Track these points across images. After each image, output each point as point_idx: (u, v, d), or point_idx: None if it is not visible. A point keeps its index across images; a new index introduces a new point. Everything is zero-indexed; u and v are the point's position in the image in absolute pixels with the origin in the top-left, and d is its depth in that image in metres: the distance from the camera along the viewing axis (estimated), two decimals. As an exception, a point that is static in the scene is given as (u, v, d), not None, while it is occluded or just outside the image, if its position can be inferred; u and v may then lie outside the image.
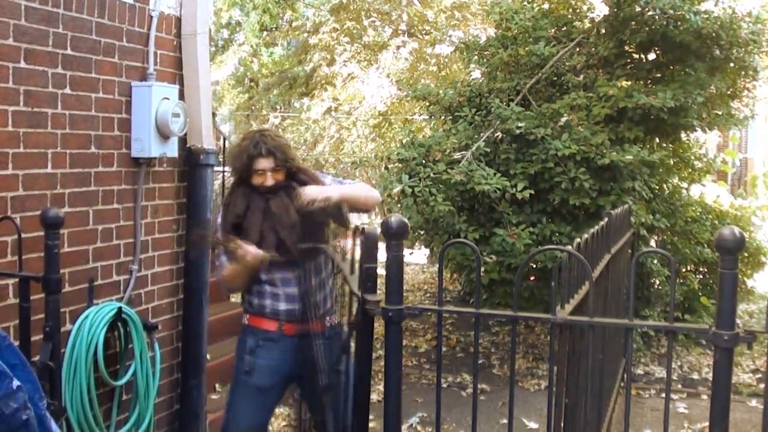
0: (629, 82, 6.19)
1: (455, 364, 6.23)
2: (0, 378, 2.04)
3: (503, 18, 6.74)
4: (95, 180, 3.49)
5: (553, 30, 6.72)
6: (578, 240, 2.83)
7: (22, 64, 3.10)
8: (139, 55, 3.72)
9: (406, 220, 2.32)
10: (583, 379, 2.80)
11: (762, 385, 5.27)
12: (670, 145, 6.70)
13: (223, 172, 7.35)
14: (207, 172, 4.04)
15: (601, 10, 6.77)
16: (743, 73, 6.51)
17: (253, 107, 15.37)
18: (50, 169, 3.26)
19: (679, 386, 5.69)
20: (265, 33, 14.54)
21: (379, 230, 2.40)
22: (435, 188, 5.45)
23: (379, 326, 2.58)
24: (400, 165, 5.89)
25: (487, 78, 6.92)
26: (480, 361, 5.98)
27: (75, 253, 3.39)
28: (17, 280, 2.99)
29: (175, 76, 3.95)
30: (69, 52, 3.31)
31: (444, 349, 6.43)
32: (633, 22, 6.19)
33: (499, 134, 5.83)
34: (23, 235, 2.97)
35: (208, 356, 4.25)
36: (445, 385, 5.54)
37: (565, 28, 6.80)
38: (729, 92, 6.63)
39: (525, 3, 7.01)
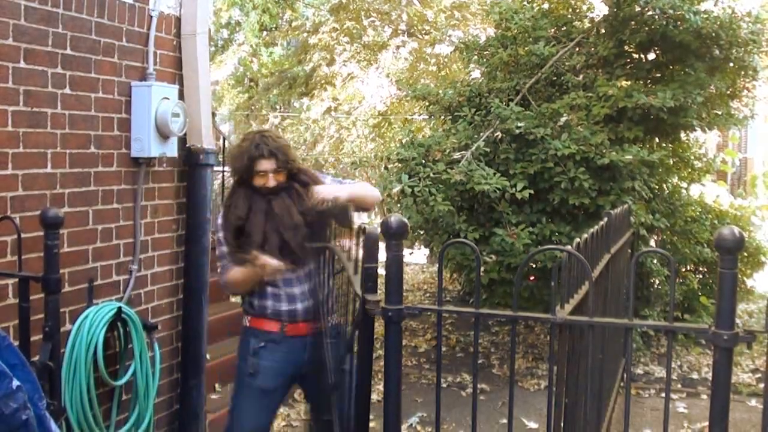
0: (629, 82, 6.19)
1: (455, 364, 6.23)
2: (0, 378, 2.04)
3: (503, 18, 6.74)
4: (95, 180, 3.49)
5: (552, 30, 6.72)
6: (578, 240, 2.83)
7: (22, 64, 3.10)
8: (139, 55, 3.72)
9: (405, 220, 2.32)
10: (582, 378, 2.80)
11: (761, 385, 5.27)
12: (670, 145, 6.70)
13: (223, 171, 7.35)
14: (207, 172, 4.04)
15: (601, 10, 6.77)
16: (743, 72, 6.51)
17: (252, 107, 15.38)
18: (50, 169, 3.26)
19: (679, 386, 5.69)
20: (264, 33, 14.53)
21: (378, 230, 2.40)
22: (435, 188, 5.45)
23: (379, 326, 2.58)
24: (399, 165, 5.89)
25: (487, 78, 6.92)
26: (480, 361, 5.98)
27: (75, 253, 3.39)
28: (17, 280, 2.99)
29: (174, 75, 3.95)
30: (68, 51, 3.31)
31: (444, 348, 6.43)
32: (633, 22, 6.20)
33: (498, 134, 5.83)
34: (23, 235, 2.97)
35: (207, 356, 4.25)
36: (444, 385, 5.54)
37: (564, 28, 6.80)
38: (729, 92, 6.63)
39: (525, 3, 7.01)
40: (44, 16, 3.18)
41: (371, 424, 2.78)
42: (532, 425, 4.87)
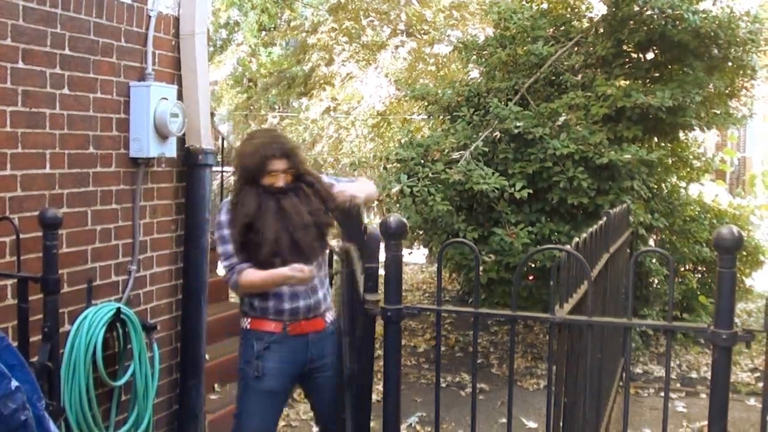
0: (627, 82, 6.19)
1: (454, 364, 6.23)
2: (-1, 378, 2.04)
3: (502, 18, 6.74)
4: (94, 180, 3.49)
5: (551, 29, 6.72)
6: (577, 239, 2.83)
7: (20, 65, 3.09)
8: (138, 55, 3.72)
9: (404, 220, 2.32)
10: (582, 378, 2.80)
11: (760, 384, 5.28)
12: (669, 145, 6.71)
13: (222, 172, 7.35)
14: (205, 172, 4.04)
15: (600, 10, 6.77)
16: (741, 72, 6.51)
17: (251, 107, 15.37)
18: (48, 170, 3.25)
19: (678, 385, 5.70)
20: (263, 33, 14.53)
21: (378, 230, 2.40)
22: (433, 188, 5.45)
23: (378, 326, 2.59)
24: (398, 165, 5.89)
25: (486, 78, 6.92)
26: (479, 361, 5.98)
27: (73, 253, 3.39)
28: (16, 280, 2.98)
29: (173, 76, 3.95)
30: (67, 52, 3.31)
31: (443, 348, 6.43)
32: (631, 22, 6.20)
33: (497, 134, 5.83)
34: (22, 236, 2.97)
35: (206, 356, 4.25)
36: (444, 385, 5.54)
37: (563, 28, 6.80)
38: (727, 91, 6.63)
39: (523, 2, 7.01)
40: (43, 17, 3.18)
41: (371, 424, 2.79)
42: (532, 425, 4.87)
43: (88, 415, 3.27)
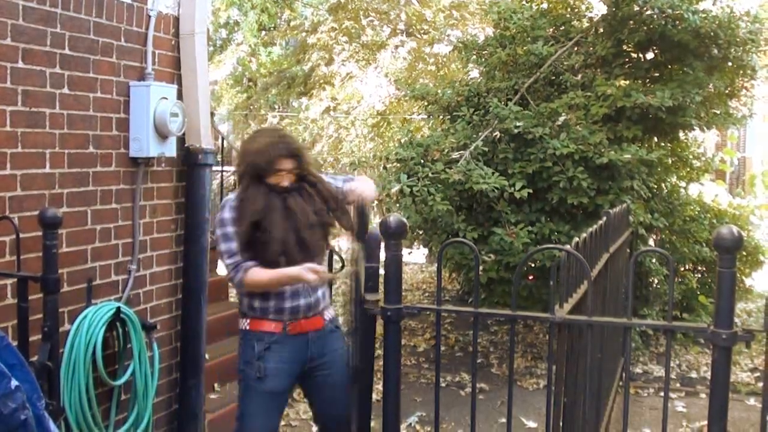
0: (627, 82, 6.19)
1: (454, 364, 6.23)
2: (-2, 378, 2.04)
3: (501, 17, 6.74)
4: (93, 180, 3.49)
5: (551, 29, 6.72)
6: (577, 239, 2.83)
7: (20, 64, 3.09)
8: (138, 55, 3.72)
9: (404, 220, 2.32)
10: (581, 378, 2.80)
11: (760, 384, 5.28)
12: (669, 144, 6.71)
13: (222, 171, 7.35)
14: (205, 172, 4.04)
15: (600, 10, 6.77)
16: (741, 72, 6.51)
17: (251, 107, 15.37)
18: (48, 169, 3.25)
19: (678, 385, 5.70)
20: (263, 32, 14.54)
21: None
22: (433, 188, 5.45)
23: (378, 325, 2.59)
24: (398, 165, 5.89)
25: (486, 77, 6.92)
26: (479, 361, 5.98)
27: (73, 253, 3.39)
28: (16, 280, 2.99)
29: (173, 75, 3.95)
30: (67, 51, 3.31)
31: (443, 348, 6.43)
32: (631, 22, 6.20)
33: (497, 133, 5.83)
34: (21, 235, 2.97)
35: (206, 356, 4.25)
36: (443, 385, 5.54)
37: (563, 28, 6.80)
38: (727, 91, 6.63)
39: (523, 2, 7.01)
40: (42, 16, 3.18)
41: (371, 424, 2.79)
42: (531, 424, 4.87)
43: (87, 415, 3.27)
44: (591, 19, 6.86)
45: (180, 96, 3.93)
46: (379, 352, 3.40)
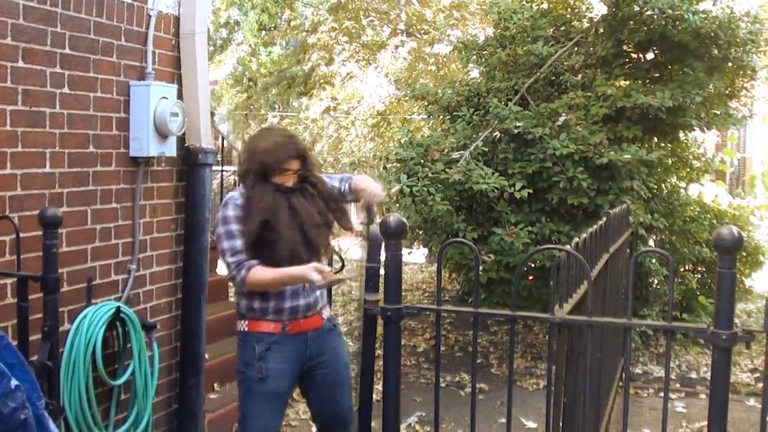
0: (627, 82, 6.19)
1: (454, 364, 6.23)
2: (-2, 377, 2.04)
3: (502, 17, 6.74)
4: (93, 179, 3.49)
5: (551, 30, 6.72)
6: (577, 239, 2.83)
7: (20, 64, 3.09)
8: (138, 55, 3.72)
9: (404, 220, 2.33)
10: (581, 378, 2.80)
11: (760, 385, 5.28)
12: (669, 145, 6.71)
13: (222, 171, 7.35)
14: (205, 172, 4.04)
15: (600, 10, 6.77)
16: (741, 72, 6.51)
17: (251, 107, 15.38)
18: (48, 169, 3.25)
19: (678, 385, 5.70)
20: (263, 32, 14.54)
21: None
22: (433, 188, 5.45)
23: (378, 325, 2.59)
24: (398, 165, 5.89)
25: (486, 77, 6.92)
26: (478, 361, 5.98)
27: (73, 252, 3.39)
28: (15, 279, 2.99)
29: (173, 75, 3.95)
30: (67, 51, 3.31)
31: (442, 348, 6.43)
32: (631, 22, 6.20)
33: (497, 134, 5.83)
34: (21, 235, 2.97)
35: (206, 356, 4.25)
36: (443, 385, 5.54)
37: (563, 28, 6.80)
38: (727, 92, 6.63)
39: (523, 2, 7.01)
40: (43, 16, 3.18)
41: (371, 424, 2.79)
42: (531, 424, 4.87)
43: (87, 414, 3.27)
44: (591, 19, 6.86)
45: (180, 96, 3.93)
46: (379, 352, 3.40)
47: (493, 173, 5.49)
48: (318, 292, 3.05)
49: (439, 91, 6.84)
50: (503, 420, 4.79)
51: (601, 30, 6.56)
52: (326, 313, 3.13)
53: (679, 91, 5.74)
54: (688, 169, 7.10)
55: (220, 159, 6.56)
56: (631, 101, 5.69)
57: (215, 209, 3.52)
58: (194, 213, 4.02)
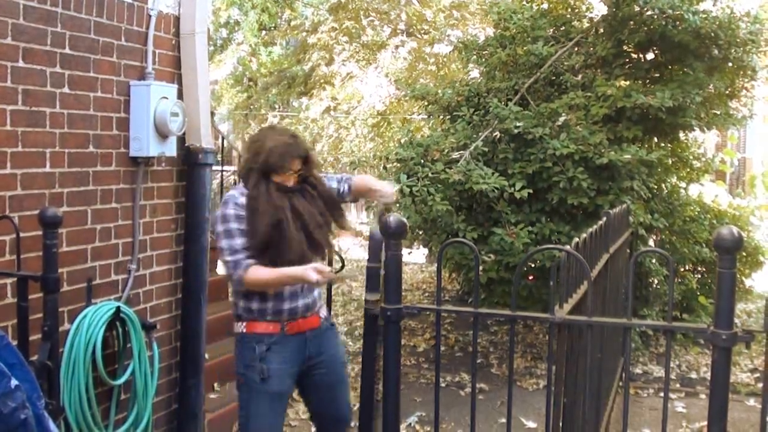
0: (628, 82, 6.19)
1: (454, 364, 6.23)
2: (-2, 377, 2.04)
3: (502, 18, 6.74)
4: (93, 179, 3.49)
5: (551, 30, 6.72)
6: (577, 239, 2.83)
7: (21, 63, 3.09)
8: (138, 55, 3.72)
9: (404, 220, 2.32)
10: (581, 378, 2.80)
11: (760, 385, 5.28)
12: (669, 145, 6.71)
13: (222, 171, 7.35)
14: (206, 171, 4.04)
15: (600, 10, 6.77)
16: (742, 72, 6.51)
17: (251, 106, 15.39)
18: (48, 169, 3.25)
19: (678, 385, 5.70)
20: (263, 32, 14.55)
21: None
22: (433, 188, 5.45)
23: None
24: (398, 165, 5.89)
25: (486, 77, 6.92)
26: (478, 361, 5.98)
27: (73, 252, 3.39)
28: (16, 279, 2.98)
29: (173, 75, 3.95)
30: (67, 51, 3.31)
31: (442, 348, 6.43)
32: (631, 22, 6.20)
33: (497, 134, 5.83)
34: (21, 235, 2.97)
35: (206, 356, 4.25)
36: (443, 385, 5.54)
37: (563, 28, 6.80)
38: (727, 92, 6.63)
39: (524, 3, 7.01)
40: (43, 15, 3.18)
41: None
42: (531, 424, 4.87)
43: (87, 414, 3.27)
44: (591, 19, 6.86)
45: (180, 95, 3.93)
46: (379, 352, 3.40)
47: (493, 173, 5.49)
48: (316, 293, 3.05)
49: (439, 91, 6.83)
50: (503, 420, 4.79)
51: (602, 30, 6.56)
52: (323, 312, 3.12)
53: (679, 91, 5.74)
54: (688, 169, 7.10)
55: (220, 159, 6.56)
56: (631, 101, 5.68)
57: (215, 209, 3.52)
58: (194, 213, 4.02)
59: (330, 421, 3.14)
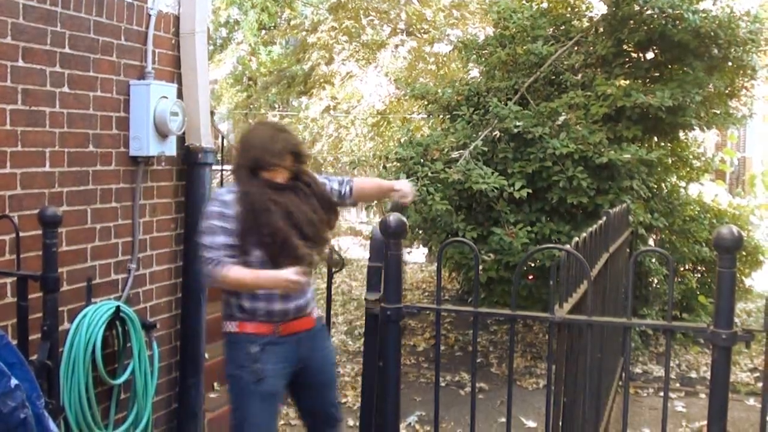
0: (627, 81, 6.19)
1: (454, 363, 6.23)
2: (-2, 377, 2.04)
3: (501, 17, 6.74)
4: (93, 179, 3.49)
5: (551, 29, 6.72)
6: (576, 239, 2.83)
7: (20, 63, 3.09)
8: (138, 54, 3.71)
9: (404, 219, 2.32)
10: (581, 377, 2.80)
11: (760, 384, 5.28)
12: (669, 144, 6.71)
13: (222, 170, 7.35)
14: (205, 171, 4.04)
15: (600, 9, 6.77)
16: (741, 72, 6.51)
17: (251, 106, 15.38)
18: (48, 168, 3.25)
19: (678, 385, 5.70)
20: (263, 31, 14.55)
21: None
22: (433, 187, 5.45)
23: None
24: (398, 164, 5.89)
25: (486, 77, 6.92)
26: (478, 360, 5.99)
27: (73, 251, 3.39)
28: (15, 278, 2.98)
29: (173, 74, 3.95)
30: (67, 50, 3.31)
31: (442, 347, 6.43)
32: (631, 21, 6.20)
33: (497, 133, 5.83)
34: (21, 234, 2.97)
35: (206, 355, 4.25)
36: (443, 384, 5.54)
37: (563, 27, 6.80)
38: (727, 91, 6.63)
39: (523, 2, 7.01)
40: (43, 15, 3.18)
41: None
42: (531, 424, 4.88)
43: (87, 414, 3.27)
44: (591, 18, 6.86)
45: (180, 95, 3.93)
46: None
47: (492, 173, 5.49)
48: (309, 294, 3.01)
49: (439, 90, 6.83)
50: (503, 419, 4.79)
51: (601, 29, 6.56)
52: (316, 313, 3.08)
53: (679, 91, 5.74)
54: (688, 169, 7.10)
55: (219, 158, 6.56)
56: (631, 101, 5.68)
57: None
58: (194, 212, 4.01)
59: (322, 420, 3.12)
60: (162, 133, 3.70)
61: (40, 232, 2.93)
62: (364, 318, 2.70)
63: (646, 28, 6.08)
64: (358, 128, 12.14)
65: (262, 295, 2.86)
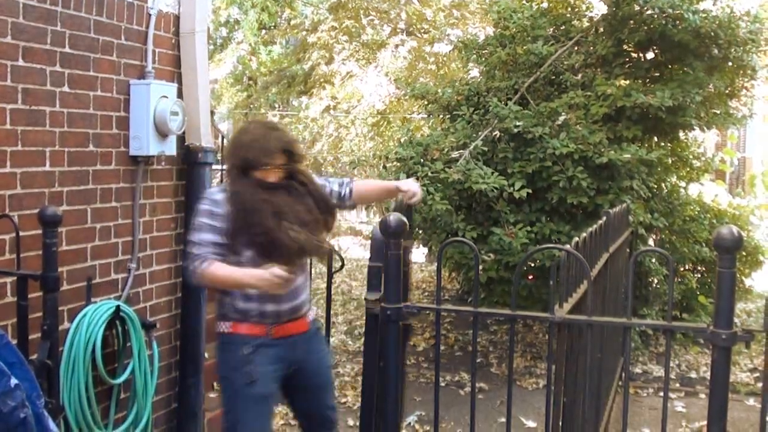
0: (627, 81, 6.19)
1: (453, 363, 6.23)
2: (-2, 376, 2.04)
3: (501, 17, 6.74)
4: (93, 178, 3.49)
5: (551, 29, 6.72)
6: (576, 239, 2.83)
7: (20, 62, 3.09)
8: (138, 53, 3.71)
9: (404, 219, 2.32)
10: (581, 377, 2.80)
11: (760, 384, 5.28)
12: (669, 144, 6.71)
13: (222, 170, 7.34)
14: (205, 171, 4.04)
15: (600, 9, 6.77)
16: (741, 72, 6.51)
17: (251, 105, 15.39)
18: (48, 168, 3.25)
19: (677, 385, 5.70)
20: (263, 31, 14.55)
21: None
22: (433, 187, 5.45)
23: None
24: (398, 164, 5.89)
25: (486, 77, 6.92)
26: (478, 360, 5.99)
27: (73, 251, 3.39)
28: (15, 278, 2.98)
29: (173, 74, 3.95)
30: (67, 50, 3.31)
31: (442, 347, 6.43)
32: (632, 21, 6.20)
33: (497, 133, 5.83)
34: (21, 234, 2.97)
35: (206, 354, 4.24)
36: (443, 384, 5.54)
37: (563, 27, 6.80)
38: (727, 91, 6.63)
39: (524, 2, 7.01)
40: (43, 14, 3.17)
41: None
42: (531, 424, 4.88)
43: (87, 413, 3.27)
44: (591, 18, 6.86)
45: (180, 94, 3.93)
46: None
47: (492, 173, 5.49)
48: (304, 296, 2.98)
49: (439, 90, 6.83)
50: (503, 419, 4.79)
51: (601, 29, 6.56)
52: (312, 315, 3.06)
53: (679, 91, 5.74)
54: (688, 169, 7.10)
55: (219, 158, 6.55)
56: (631, 101, 5.68)
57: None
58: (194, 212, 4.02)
59: (318, 422, 3.10)
60: (162, 133, 3.70)
61: (40, 231, 2.93)
62: (364, 318, 2.70)
63: (646, 28, 6.08)
64: (358, 128, 12.14)
65: (254, 295, 2.82)
